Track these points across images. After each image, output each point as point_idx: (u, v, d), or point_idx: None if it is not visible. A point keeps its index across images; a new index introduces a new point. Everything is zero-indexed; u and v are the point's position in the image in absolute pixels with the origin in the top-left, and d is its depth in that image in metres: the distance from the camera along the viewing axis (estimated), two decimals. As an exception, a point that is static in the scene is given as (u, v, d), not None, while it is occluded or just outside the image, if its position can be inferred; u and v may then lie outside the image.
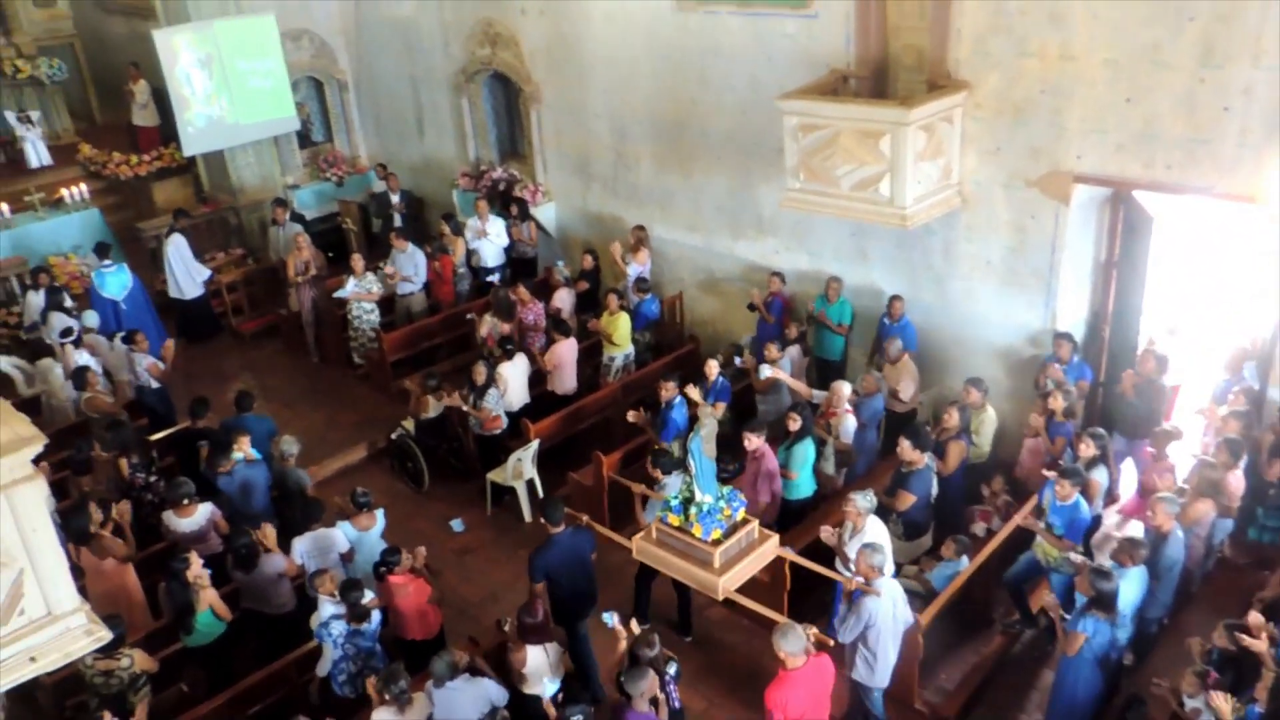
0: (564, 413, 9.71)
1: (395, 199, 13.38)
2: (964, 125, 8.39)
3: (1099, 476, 7.18)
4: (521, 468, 9.11)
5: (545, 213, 12.61)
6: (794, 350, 9.43)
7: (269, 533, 7.09)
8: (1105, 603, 5.81)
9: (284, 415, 10.40)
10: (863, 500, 6.79)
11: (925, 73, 8.55)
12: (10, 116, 15.69)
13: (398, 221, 13.08)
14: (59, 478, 8.48)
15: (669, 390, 8.57)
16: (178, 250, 12.10)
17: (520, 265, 12.30)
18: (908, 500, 7.40)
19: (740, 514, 6.12)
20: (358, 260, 11.49)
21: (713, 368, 8.91)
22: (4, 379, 10.27)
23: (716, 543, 5.92)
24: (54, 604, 4.30)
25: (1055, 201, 8.14)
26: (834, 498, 8.16)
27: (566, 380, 10.11)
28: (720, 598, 6.20)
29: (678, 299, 11.49)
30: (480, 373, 9.24)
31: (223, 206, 14.21)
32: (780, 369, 9.02)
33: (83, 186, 13.63)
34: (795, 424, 7.89)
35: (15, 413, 4.49)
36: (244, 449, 7.98)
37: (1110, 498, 7.71)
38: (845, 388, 8.51)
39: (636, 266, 11.01)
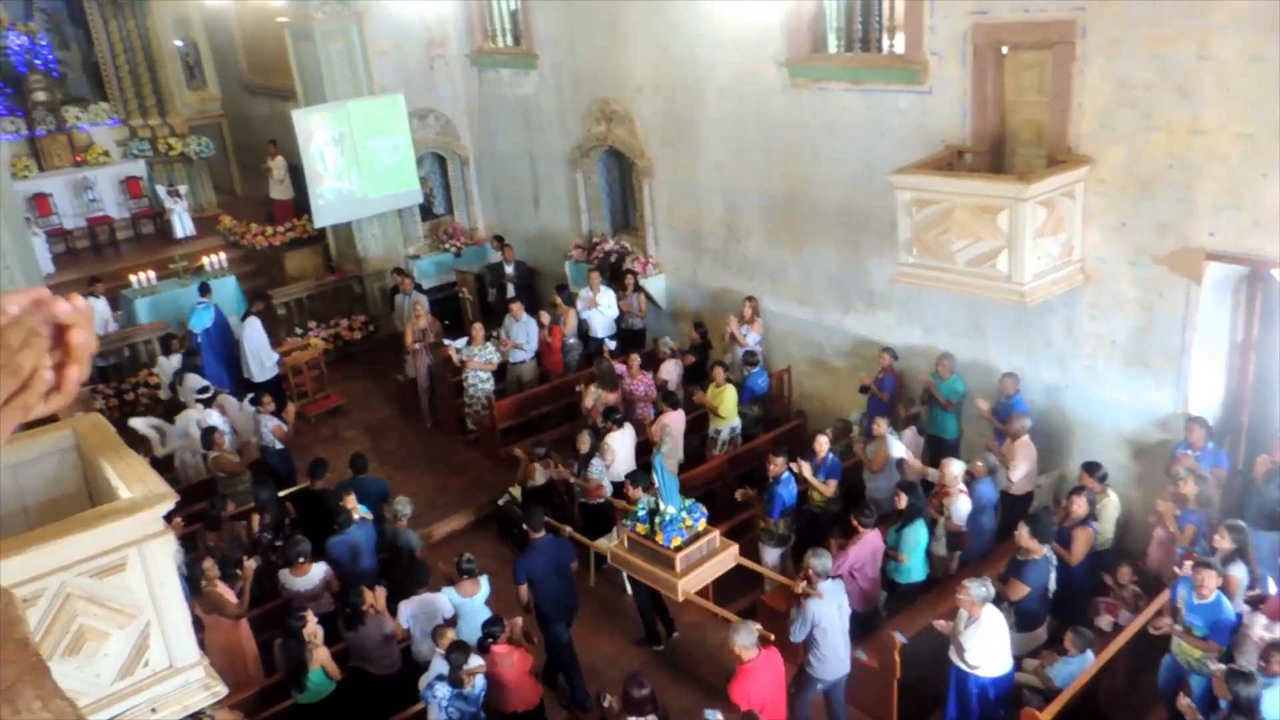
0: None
1: (510, 270, 13.76)
2: (1086, 200, 8.17)
3: (1238, 573, 6.72)
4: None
5: (655, 285, 12.76)
6: (909, 432, 9.20)
7: (379, 595, 7.22)
8: (1246, 709, 5.39)
9: (397, 478, 10.67)
10: (978, 588, 6.51)
11: (1045, 147, 8.39)
12: (162, 190, 16.89)
13: (511, 292, 13.42)
14: (188, 531, 8.86)
15: (776, 466, 8.45)
16: (253, 334, 12.32)
17: (629, 336, 12.42)
18: (1021, 590, 7.07)
19: (701, 524, 6.84)
20: (478, 329, 11.80)
21: (822, 444, 8.76)
22: (141, 440, 10.84)
23: (678, 549, 6.62)
24: (176, 657, 4.45)
25: (1186, 279, 7.80)
26: (946, 582, 7.85)
27: (674, 451, 10.08)
28: (680, 598, 6.96)
29: (786, 373, 11.40)
30: (584, 442, 9.30)
31: (348, 275, 14.86)
32: (889, 446, 8.81)
33: (222, 255, 14.46)
34: (905, 503, 7.66)
35: (149, 470, 4.72)
36: (353, 507, 8.18)
37: (1253, 596, 7.19)
38: (957, 466, 8.24)
39: (755, 336, 10.99)
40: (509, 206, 15.19)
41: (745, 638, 6.23)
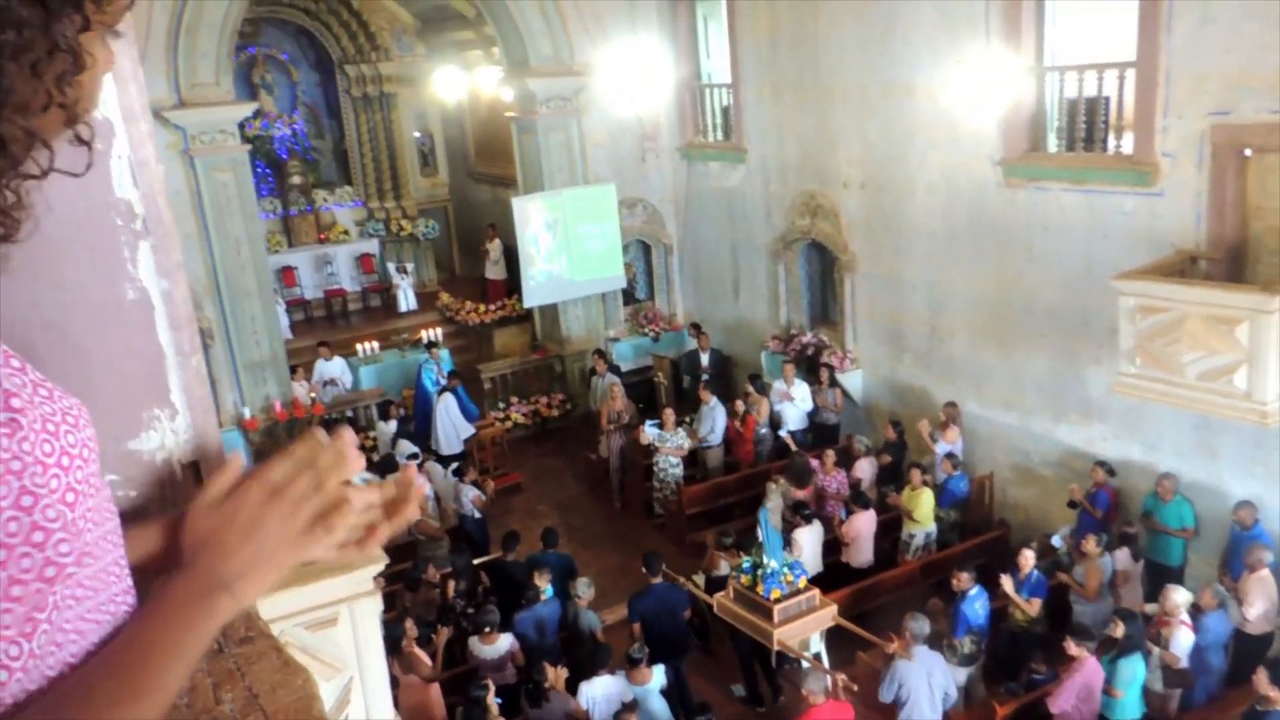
0: (857, 586, 9.34)
1: (704, 358, 13.91)
2: (1342, 315, 7.44)
3: None
4: (808, 639, 8.80)
5: (852, 380, 12.55)
6: (1123, 554, 8.51)
7: (560, 675, 7.30)
8: None
9: (583, 556, 10.83)
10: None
11: (1293, 257, 7.76)
12: (391, 267, 18.31)
13: (705, 378, 13.54)
14: (388, 591, 9.31)
15: (963, 582, 8.02)
16: (448, 409, 12.65)
17: (823, 431, 12.23)
18: (1261, 744, 6.31)
19: (802, 581, 7.61)
20: (669, 414, 11.96)
21: (1027, 558, 8.25)
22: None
23: (776, 601, 7.39)
24: (373, 712, 4.63)
25: None
26: (1165, 724, 7.13)
27: (863, 553, 9.76)
28: (775, 647, 7.45)
29: (988, 479, 10.86)
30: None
31: (550, 354, 15.47)
32: (1103, 568, 8.19)
33: (438, 330, 15.43)
34: (1120, 631, 7.06)
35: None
36: (543, 585, 8.37)
37: None
38: (1179, 594, 7.53)
39: (945, 445, 10.58)
40: (709, 294, 15.44)
41: (814, 683, 6.69)
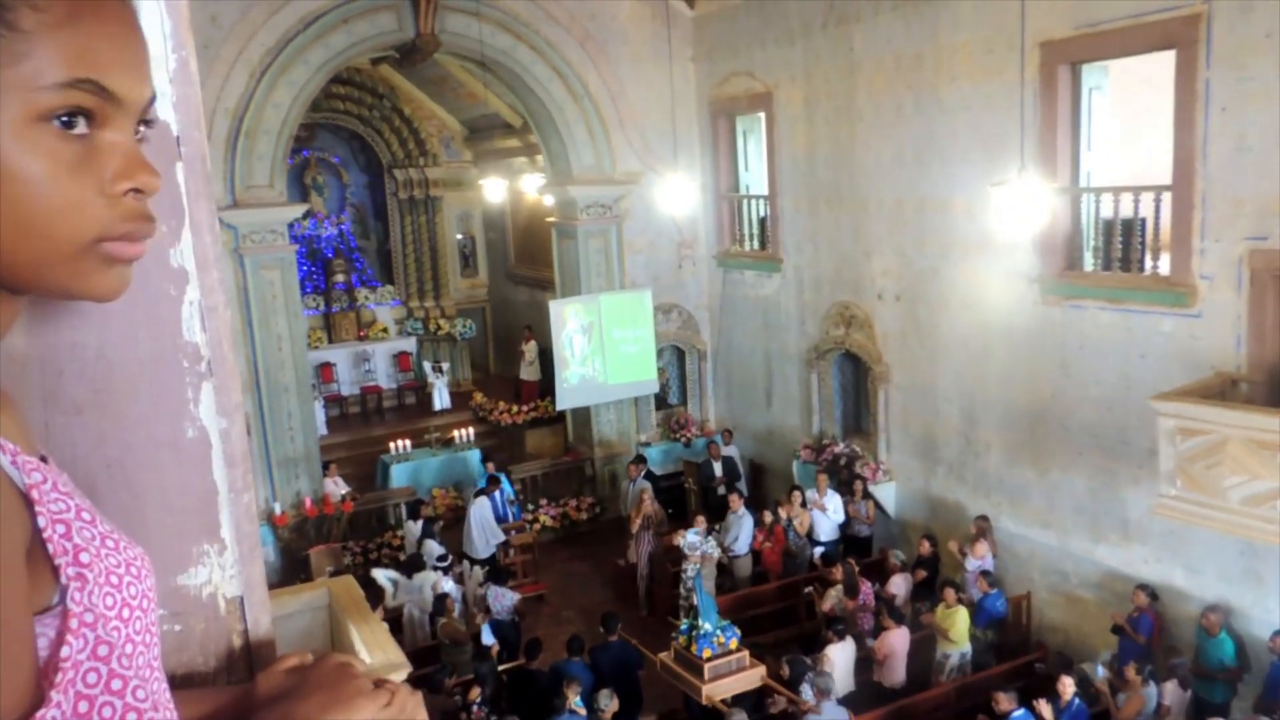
0: (890, 708, 9.04)
1: (716, 468, 13.79)
2: (1389, 443, 7.29)
3: None
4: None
5: (885, 492, 12.40)
6: (1170, 685, 8.19)
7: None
8: None
9: (608, 665, 10.61)
10: None
11: (1335, 382, 7.66)
12: (427, 365, 18.56)
13: (720, 490, 13.42)
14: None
15: (1003, 703, 7.75)
16: (480, 513, 12.52)
17: (855, 543, 12.03)
18: None
19: (733, 643, 8.80)
20: (701, 521, 11.86)
21: (1067, 685, 7.96)
22: (377, 588, 11.48)
23: (707, 660, 8.61)
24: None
25: None
26: None
27: (896, 672, 9.48)
28: (704, 701, 8.54)
29: (1026, 599, 10.58)
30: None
31: (581, 457, 15.47)
32: (1146, 698, 7.88)
33: (470, 430, 15.53)
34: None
35: (390, 638, 5.00)
36: (571, 697, 8.19)
37: None
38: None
39: (975, 561, 10.37)
40: (741, 401, 15.45)
41: None
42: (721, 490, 13.41)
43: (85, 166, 0.79)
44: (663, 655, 9.35)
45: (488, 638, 10.18)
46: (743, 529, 11.95)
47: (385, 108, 19.15)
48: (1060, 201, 9.61)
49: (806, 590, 10.99)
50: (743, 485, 13.85)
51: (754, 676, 8.71)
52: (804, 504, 11.95)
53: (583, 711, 8.26)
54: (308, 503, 13.15)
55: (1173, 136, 8.66)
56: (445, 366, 18.59)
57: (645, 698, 9.68)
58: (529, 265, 19.83)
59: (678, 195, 13.26)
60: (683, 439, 15.47)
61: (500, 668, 9.90)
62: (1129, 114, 11.07)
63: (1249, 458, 7.30)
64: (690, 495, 14.42)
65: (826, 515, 11.87)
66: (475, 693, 8.78)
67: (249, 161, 12.46)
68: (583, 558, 14.16)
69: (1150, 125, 10.03)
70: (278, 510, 12.97)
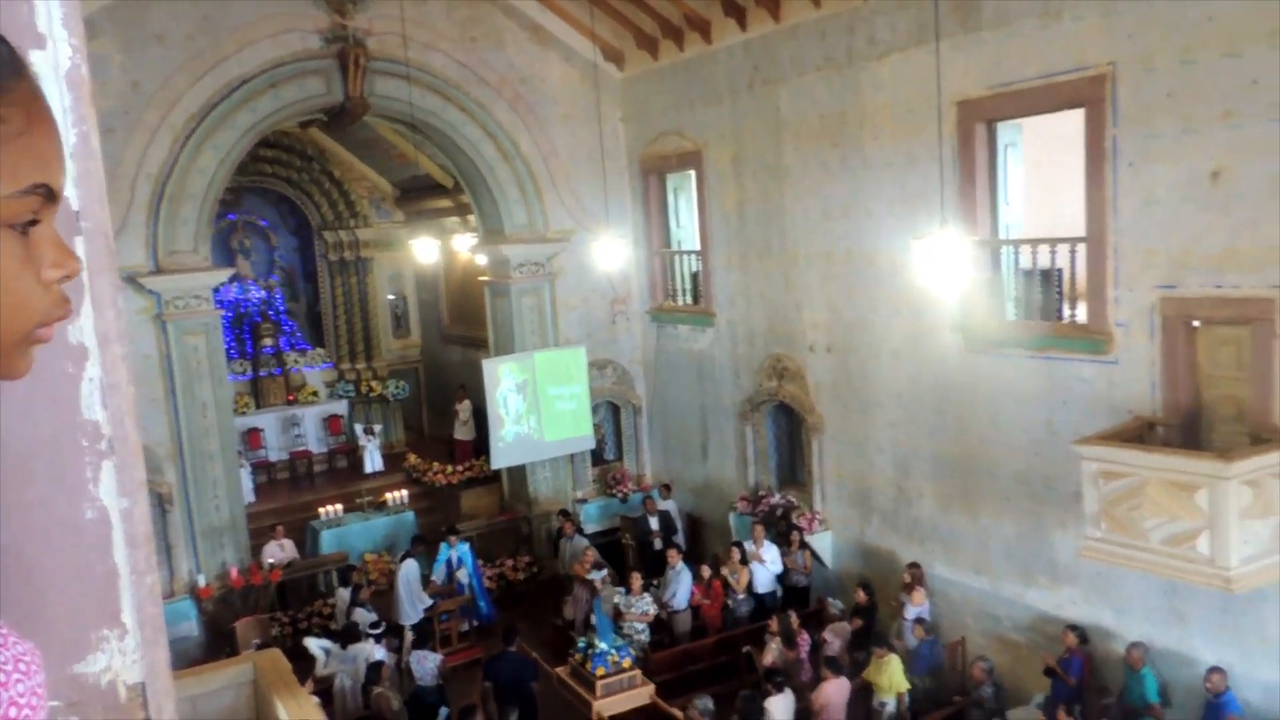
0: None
1: (652, 523, 13.74)
2: (1299, 482, 7.57)
3: None
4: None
5: (821, 542, 12.47)
6: (1102, 725, 8.34)
7: None
8: None
9: (545, 724, 10.39)
10: None
11: (1247, 424, 7.95)
12: (358, 428, 18.24)
13: (658, 545, 13.36)
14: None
15: None
16: (407, 576, 12.24)
17: (793, 594, 12.04)
18: None
19: (625, 662, 9.87)
20: (636, 578, 11.77)
21: (1003, 732, 8.02)
22: (308, 656, 11.09)
23: (600, 677, 9.63)
24: None
25: None
26: None
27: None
28: (595, 717, 9.45)
29: (960, 644, 10.67)
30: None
31: (518, 515, 15.28)
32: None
33: (404, 492, 15.26)
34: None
35: (317, 711, 4.85)
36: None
37: None
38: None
39: (912, 609, 10.45)
40: (678, 455, 15.47)
41: None
42: (659, 545, 13.35)
43: (28, 260, 0.81)
44: (559, 670, 10.39)
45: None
46: (681, 584, 11.89)
47: (314, 170, 19.04)
48: (981, 254, 9.91)
49: (745, 649, 10.94)
50: (680, 539, 13.82)
51: (644, 694, 9.70)
52: (743, 560, 11.95)
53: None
54: (234, 573, 12.73)
55: (1085, 191, 9.02)
56: (377, 429, 18.29)
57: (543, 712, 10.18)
58: (463, 324, 19.74)
59: (610, 252, 13.37)
60: (619, 494, 15.40)
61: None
62: (1044, 169, 11.52)
63: (1167, 499, 7.52)
64: (628, 551, 14.32)
65: (764, 566, 11.87)
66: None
67: (172, 227, 12.25)
68: (520, 617, 13.89)
69: (1064, 180, 10.41)
70: (202, 582, 12.52)
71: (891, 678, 9.51)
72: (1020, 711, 9.30)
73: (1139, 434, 8.48)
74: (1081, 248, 9.20)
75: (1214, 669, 8.08)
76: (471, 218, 16.20)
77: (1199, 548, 7.37)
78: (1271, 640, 7.95)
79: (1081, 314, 9.47)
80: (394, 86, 13.32)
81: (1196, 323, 8.30)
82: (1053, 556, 9.67)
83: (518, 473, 15.30)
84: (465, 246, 17.58)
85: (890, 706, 9.60)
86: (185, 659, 11.01)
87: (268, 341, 18.59)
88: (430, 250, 17.83)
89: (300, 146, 18.61)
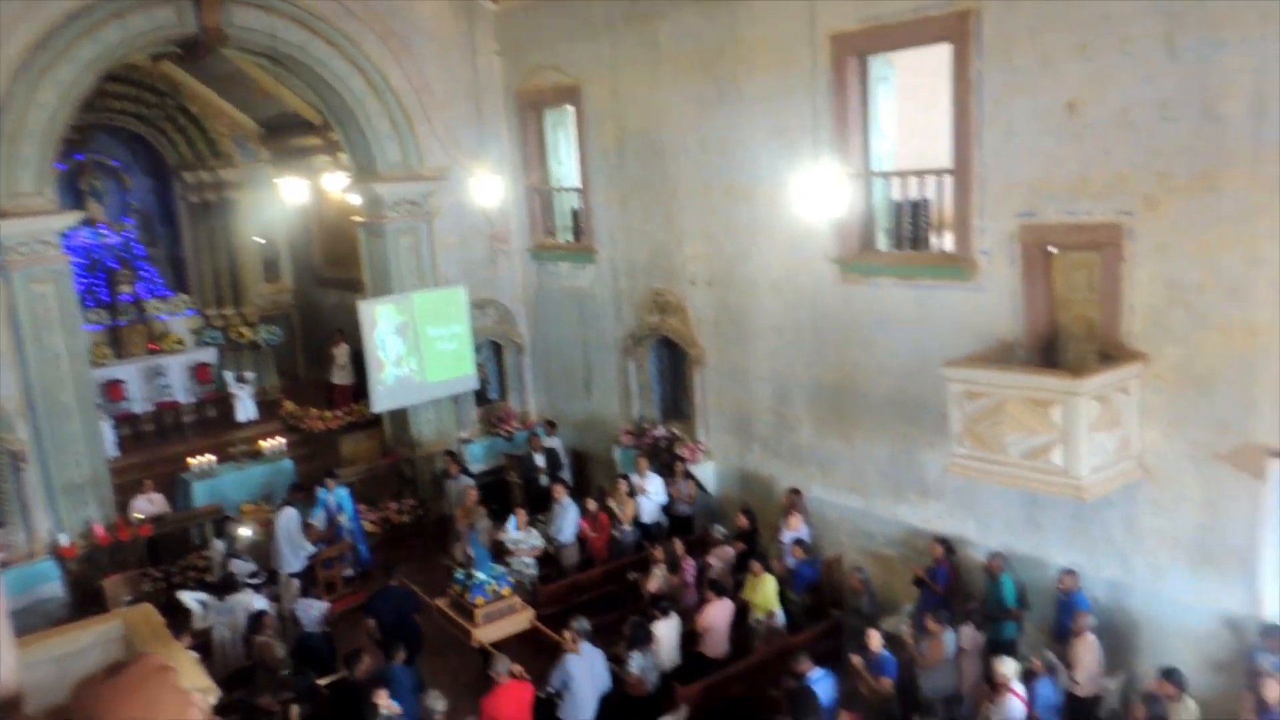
0: (714, 679, 9.31)
1: (538, 459, 13.81)
2: (1143, 396, 8.15)
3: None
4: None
5: (704, 471, 12.76)
6: (967, 629, 8.84)
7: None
8: None
9: (435, 669, 10.38)
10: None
11: (1097, 343, 8.47)
12: (229, 376, 17.55)
13: (544, 482, 13.43)
14: (225, 720, 8.65)
15: (803, 665, 8.18)
16: (287, 524, 11.91)
17: (678, 523, 12.32)
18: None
19: (505, 590, 10.38)
20: (522, 515, 11.82)
21: (875, 639, 8.47)
22: (184, 611, 10.76)
23: (479, 606, 10.12)
24: None
25: (1250, 477, 7.64)
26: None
27: (718, 644, 9.79)
28: (475, 644, 9.86)
29: (836, 561, 11.15)
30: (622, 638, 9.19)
31: (401, 459, 15.09)
32: (946, 643, 8.49)
33: (281, 439, 14.82)
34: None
35: (193, 665, 4.72)
36: (385, 703, 7.93)
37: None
38: (1008, 665, 7.87)
39: (789, 533, 10.84)
40: (561, 392, 15.50)
41: (498, 666, 8.10)
42: (545, 481, 13.42)
43: None
44: (439, 601, 10.61)
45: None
46: (567, 518, 12.00)
47: (169, 106, 17.95)
48: (854, 186, 10.15)
49: (631, 576, 11.16)
50: (566, 475, 13.90)
51: (523, 620, 10.15)
52: (630, 492, 12.13)
53: (397, 711, 8.00)
54: (99, 530, 12.17)
55: (951, 124, 9.32)
56: (250, 376, 17.64)
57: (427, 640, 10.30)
58: (338, 266, 19.13)
59: (487, 189, 13.13)
60: (504, 433, 15.36)
61: (322, 681, 9.51)
62: (916, 103, 11.81)
63: (1025, 415, 7.98)
64: (514, 489, 14.34)
65: (649, 497, 12.09)
66: (295, 711, 8.39)
67: (12, 168, 11.41)
68: (407, 559, 13.77)
69: (935, 114, 10.69)
70: (65, 541, 11.93)
71: (765, 596, 9.87)
72: (892, 620, 9.80)
73: (1001, 356, 8.94)
74: (949, 179, 9.53)
75: (1066, 571, 8.70)
76: (343, 156, 15.62)
77: (1053, 460, 7.87)
78: (1116, 542, 8.60)
79: (949, 243, 9.85)
80: (254, 18, 12.64)
81: (1053, 249, 8.75)
82: (922, 474, 10.16)
83: (400, 416, 15.06)
84: (337, 186, 16.94)
85: (765, 623, 9.96)
86: (50, 620, 10.52)
87: (125, 289, 17.62)
88: (300, 190, 17.19)
89: (151, 82, 17.46)
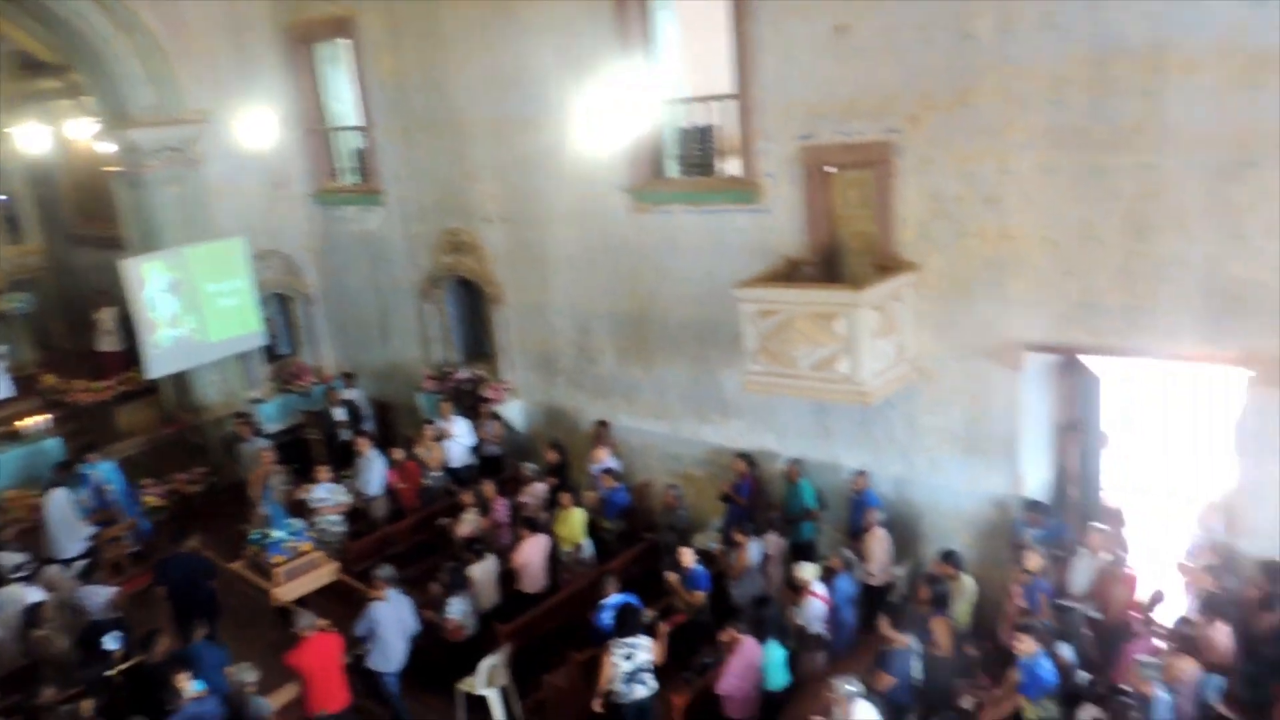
0: (534, 614, 9.39)
1: (337, 413, 13.37)
2: (915, 303, 8.73)
3: (1066, 652, 7.14)
4: (494, 675, 8.72)
5: (511, 410, 12.70)
6: (771, 537, 9.30)
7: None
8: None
9: (241, 638, 9.90)
10: (845, 686, 6.58)
11: (874, 256, 8.97)
12: (-25, 352, 15.74)
13: (346, 435, 12.99)
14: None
15: (609, 589, 8.40)
16: (58, 508, 11.06)
17: (488, 463, 12.24)
18: (886, 681, 7.15)
19: (305, 546, 9.93)
20: (323, 472, 11.39)
21: (688, 556, 8.77)
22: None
23: (278, 564, 9.64)
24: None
25: (1009, 370, 8.38)
26: (814, 683, 7.83)
27: (535, 579, 9.84)
28: (275, 604, 9.67)
29: (645, 487, 11.42)
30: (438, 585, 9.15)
31: (185, 426, 14.14)
32: (751, 552, 8.92)
33: (44, 417, 13.51)
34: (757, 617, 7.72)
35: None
36: (184, 685, 7.46)
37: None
38: (806, 569, 8.39)
39: (598, 465, 10.99)
40: (357, 342, 14.95)
41: (304, 620, 8.01)
42: (347, 435, 12.97)
43: None
44: (235, 564, 10.19)
45: (112, 643, 8.89)
46: (373, 470, 11.67)
47: None
48: (640, 114, 10.19)
49: (441, 522, 11.01)
50: (369, 427, 13.48)
51: (327, 574, 9.91)
52: (437, 438, 11.91)
53: (203, 693, 7.56)
54: None
55: (733, 49, 9.49)
56: (3, 350, 15.91)
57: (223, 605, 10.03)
58: (93, 223, 17.47)
59: (257, 131, 12.32)
60: (299, 389, 14.67)
61: (112, 671, 8.83)
62: (699, 31, 11.92)
63: (813, 329, 8.37)
64: (314, 446, 13.78)
65: (456, 441, 11.92)
66: (88, 705, 7.76)
67: None
68: (202, 531, 12.97)
69: (719, 40, 10.84)
70: None
71: (571, 529, 10.00)
72: (702, 536, 10.17)
73: (788, 274, 9.33)
74: (733, 105, 9.74)
75: (858, 472, 9.31)
76: (88, 100, 14.19)
77: (840, 369, 8.33)
78: (898, 441, 9.25)
79: (735, 168, 10.11)
80: (-35, -63, 11.17)
81: (830, 168, 9.15)
82: (721, 395, 10.52)
83: (181, 380, 14.07)
84: (85, 133, 15.42)
85: (573, 555, 10.09)
86: None
87: None
88: (41, 139, 15.57)
89: None
